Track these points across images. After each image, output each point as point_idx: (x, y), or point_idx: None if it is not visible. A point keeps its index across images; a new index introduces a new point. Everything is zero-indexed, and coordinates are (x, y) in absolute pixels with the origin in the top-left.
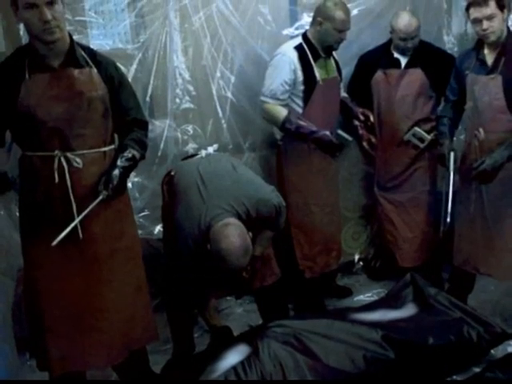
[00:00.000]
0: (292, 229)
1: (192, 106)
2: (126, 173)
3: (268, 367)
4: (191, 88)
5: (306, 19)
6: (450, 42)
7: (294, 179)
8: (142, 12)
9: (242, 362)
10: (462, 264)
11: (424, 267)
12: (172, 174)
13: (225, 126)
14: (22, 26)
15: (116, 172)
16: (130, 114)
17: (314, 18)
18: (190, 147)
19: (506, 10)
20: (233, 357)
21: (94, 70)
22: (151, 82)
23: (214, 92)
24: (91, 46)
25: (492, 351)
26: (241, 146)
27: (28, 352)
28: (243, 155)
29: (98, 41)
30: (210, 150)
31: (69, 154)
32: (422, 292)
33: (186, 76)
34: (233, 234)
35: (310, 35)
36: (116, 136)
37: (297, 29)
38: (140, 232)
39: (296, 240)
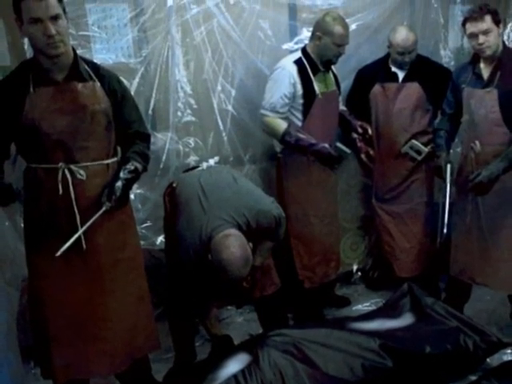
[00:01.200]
0: (291, 239)
1: (193, 119)
2: (128, 185)
3: (268, 375)
4: (193, 101)
5: (306, 34)
6: (446, 56)
7: (294, 191)
8: (144, 27)
9: (242, 371)
10: (458, 274)
11: (421, 277)
12: (174, 185)
13: (225, 138)
14: (26, 41)
15: (119, 184)
16: (132, 127)
17: (314, 33)
18: (192, 159)
19: (501, 25)
20: (233, 365)
21: (98, 84)
22: (153, 95)
23: (215, 105)
24: (94, 60)
25: (488, 360)
26: (241, 158)
27: (32, 360)
28: (244, 167)
29: (101, 55)
30: (211, 162)
31: (72, 166)
32: (419, 302)
33: (188, 89)
34: (233, 245)
35: (309, 49)
36: (119, 148)
37: (296, 43)
38: (142, 243)
39: (295, 251)
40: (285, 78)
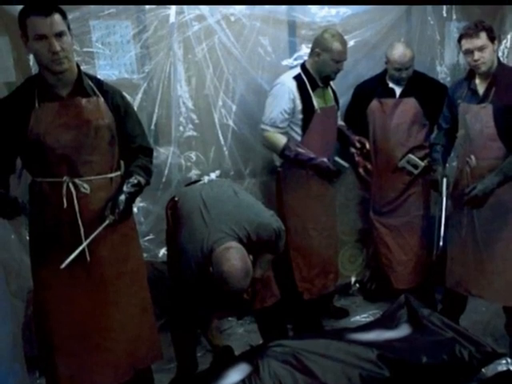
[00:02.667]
0: (291, 252)
1: (195, 133)
2: (131, 198)
3: None
4: (194, 116)
5: (305, 50)
6: (442, 72)
7: (293, 204)
8: (146, 43)
9: (243, 381)
10: (454, 286)
11: (418, 289)
12: (176, 199)
13: (226, 153)
14: (31, 57)
15: (122, 197)
16: (135, 142)
17: (313, 49)
18: (193, 173)
19: (496, 42)
20: (234, 375)
21: (101, 99)
22: (156, 110)
23: (216, 120)
24: (98, 76)
25: (483, 370)
26: (242, 172)
27: (38, 370)
28: (244, 181)
29: (105, 71)
30: (213, 176)
31: (77, 180)
32: (415, 313)
33: (190, 105)
34: (234, 257)
35: (308, 66)
36: (122, 162)
37: (296, 59)
38: (145, 255)
39: (295, 263)
40: (284, 94)
